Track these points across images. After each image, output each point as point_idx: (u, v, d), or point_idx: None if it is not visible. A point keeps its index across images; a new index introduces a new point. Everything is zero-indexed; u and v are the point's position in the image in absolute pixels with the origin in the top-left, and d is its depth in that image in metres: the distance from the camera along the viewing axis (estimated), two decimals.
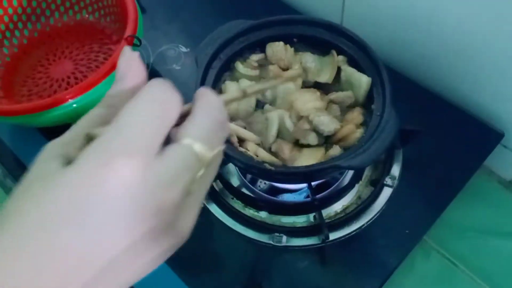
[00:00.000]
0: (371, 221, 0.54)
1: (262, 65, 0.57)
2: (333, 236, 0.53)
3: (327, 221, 0.54)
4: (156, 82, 0.25)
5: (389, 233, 0.56)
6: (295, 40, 0.56)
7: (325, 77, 0.54)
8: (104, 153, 0.22)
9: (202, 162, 0.24)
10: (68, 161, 0.23)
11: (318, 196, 0.55)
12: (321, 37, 0.56)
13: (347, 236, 0.54)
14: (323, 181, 0.58)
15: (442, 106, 0.64)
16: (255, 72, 0.56)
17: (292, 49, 0.55)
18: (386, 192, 0.55)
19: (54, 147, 0.25)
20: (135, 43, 0.59)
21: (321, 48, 0.56)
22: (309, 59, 0.55)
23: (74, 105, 0.57)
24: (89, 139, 0.24)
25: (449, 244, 0.59)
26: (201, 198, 0.26)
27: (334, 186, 0.57)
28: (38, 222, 0.21)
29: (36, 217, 0.22)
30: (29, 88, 0.68)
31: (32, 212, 0.22)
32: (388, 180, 0.55)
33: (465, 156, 0.60)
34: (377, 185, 0.55)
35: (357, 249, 0.55)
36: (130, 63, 0.27)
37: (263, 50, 0.57)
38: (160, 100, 0.24)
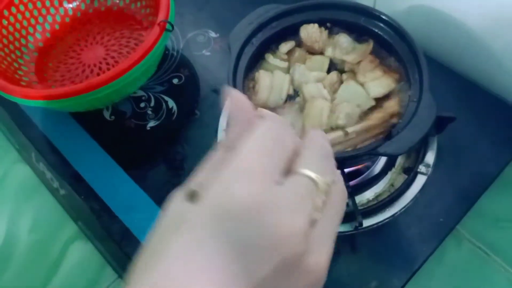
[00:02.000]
0: (403, 209, 0.54)
1: (291, 55, 0.56)
2: (365, 223, 0.52)
3: (359, 208, 0.53)
4: (270, 116, 0.27)
5: (421, 222, 0.55)
6: (328, 25, 0.55)
7: (352, 57, 0.53)
8: (223, 180, 0.23)
9: (319, 189, 0.25)
10: None
11: (351, 183, 0.55)
12: (355, 21, 0.55)
13: (379, 224, 0.53)
14: (355, 168, 0.58)
15: (477, 93, 0.63)
16: (285, 64, 0.56)
17: (327, 31, 0.55)
18: (420, 180, 0.54)
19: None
20: (167, 28, 0.59)
21: (355, 32, 0.55)
22: (344, 39, 0.54)
23: (107, 91, 0.57)
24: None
25: (481, 233, 0.58)
26: (332, 234, 0.25)
27: (366, 173, 0.57)
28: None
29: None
30: (61, 73, 0.69)
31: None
32: (422, 168, 0.54)
33: (500, 145, 0.59)
34: (410, 173, 0.55)
35: (388, 237, 0.55)
36: (238, 104, 0.27)
37: (295, 36, 0.56)
38: (275, 132, 0.25)
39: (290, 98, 0.54)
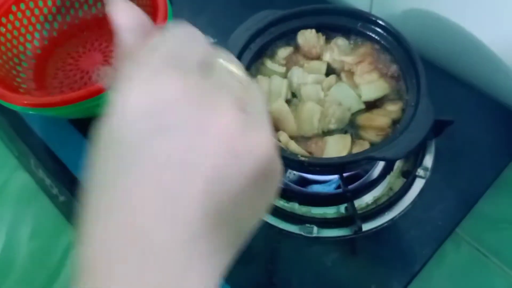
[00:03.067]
0: (402, 213, 0.54)
1: (289, 61, 0.57)
2: (364, 227, 0.53)
3: (358, 212, 0.53)
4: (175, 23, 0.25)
5: (420, 225, 0.55)
6: (326, 30, 0.56)
7: (351, 58, 0.54)
8: (146, 70, 0.22)
9: (239, 80, 0.24)
10: None
11: (350, 187, 0.55)
12: (352, 26, 0.55)
13: (378, 228, 0.53)
14: (354, 172, 0.58)
15: (475, 96, 0.63)
16: (283, 69, 0.56)
17: (324, 37, 0.55)
18: (418, 184, 0.54)
19: None
20: None
21: (352, 38, 0.55)
22: (342, 42, 0.55)
23: (105, 98, 0.57)
24: None
25: (481, 235, 0.58)
26: (264, 117, 0.24)
27: (365, 177, 0.57)
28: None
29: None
30: (60, 80, 0.69)
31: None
32: (420, 172, 0.55)
33: (498, 147, 0.59)
34: (409, 177, 0.55)
35: (388, 241, 0.55)
36: (130, 14, 0.26)
37: (292, 42, 0.57)
38: (185, 34, 0.24)
39: (288, 102, 0.54)
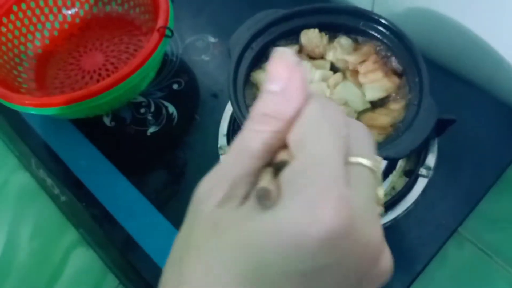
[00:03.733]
0: (405, 212, 0.54)
1: None
2: None
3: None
4: (323, 99, 0.22)
5: (423, 225, 0.55)
6: (328, 29, 0.56)
7: (354, 57, 0.54)
8: (305, 196, 0.19)
9: (378, 178, 0.22)
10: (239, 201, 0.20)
11: None
12: (354, 25, 0.55)
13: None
14: None
15: (478, 95, 0.63)
16: None
17: (327, 36, 0.55)
18: (421, 183, 0.54)
19: (216, 185, 0.21)
20: (167, 34, 0.60)
21: (355, 36, 0.55)
22: (345, 41, 0.54)
23: (107, 97, 0.57)
24: (274, 171, 0.21)
25: (483, 235, 0.58)
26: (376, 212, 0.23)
27: None
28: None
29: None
30: (61, 80, 0.69)
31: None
32: (423, 171, 0.54)
33: (501, 146, 0.59)
34: (411, 176, 0.55)
35: (390, 240, 0.54)
36: (292, 73, 0.22)
37: (294, 41, 0.57)
38: (335, 120, 0.21)
39: None
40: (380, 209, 0.22)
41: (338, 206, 0.18)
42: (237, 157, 0.21)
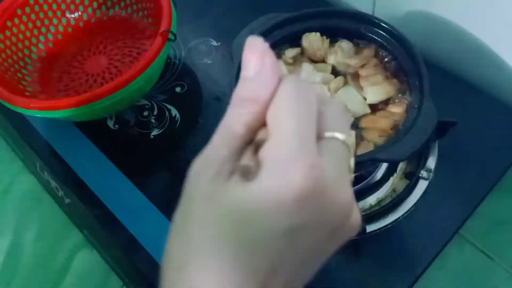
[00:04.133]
0: (406, 214, 0.54)
1: (296, 60, 0.57)
2: (368, 229, 0.53)
3: (362, 213, 0.54)
4: (296, 80, 0.25)
5: (424, 227, 0.55)
6: (329, 33, 0.56)
7: (355, 61, 0.54)
8: (277, 167, 0.22)
9: (351, 150, 0.25)
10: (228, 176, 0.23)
11: (353, 188, 0.55)
12: (355, 29, 0.56)
13: (382, 229, 0.54)
14: (358, 174, 0.58)
15: (479, 97, 0.64)
16: (290, 68, 0.56)
17: (328, 40, 0.55)
18: (422, 185, 0.55)
19: (207, 165, 0.24)
20: (170, 38, 0.60)
21: (356, 40, 0.56)
22: (346, 45, 0.55)
23: (110, 101, 0.58)
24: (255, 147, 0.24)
25: (484, 237, 0.59)
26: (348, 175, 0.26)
27: (368, 179, 0.57)
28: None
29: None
30: (65, 83, 0.70)
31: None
32: (423, 173, 0.55)
33: (502, 148, 0.59)
34: (412, 178, 0.55)
35: (391, 243, 0.55)
36: (263, 58, 0.25)
37: (296, 45, 0.57)
38: (306, 98, 0.24)
39: None
40: (352, 176, 0.26)
41: (307, 171, 0.22)
42: (223, 139, 0.24)
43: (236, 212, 0.22)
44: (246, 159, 0.23)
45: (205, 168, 0.24)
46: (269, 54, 0.25)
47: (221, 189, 0.23)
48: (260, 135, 0.24)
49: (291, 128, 0.23)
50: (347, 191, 0.24)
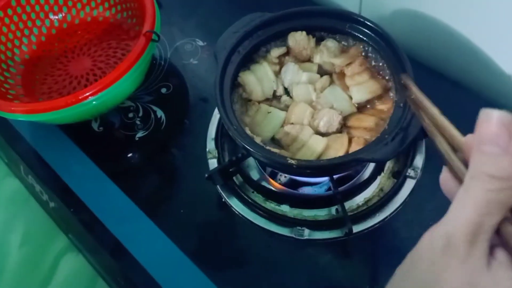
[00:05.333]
0: (394, 213, 0.54)
1: (281, 60, 0.57)
2: (355, 229, 0.52)
3: (349, 214, 0.53)
4: None
5: (412, 225, 0.55)
6: (315, 32, 0.56)
7: (340, 60, 0.54)
8: None
9: None
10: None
11: (340, 189, 0.55)
12: (340, 28, 0.55)
13: (369, 229, 0.53)
14: (345, 174, 0.58)
15: (465, 95, 0.63)
16: (275, 68, 0.56)
17: (314, 39, 0.55)
18: (409, 184, 0.54)
19: (454, 239, 0.24)
20: (153, 38, 0.59)
21: (342, 39, 0.55)
22: (331, 44, 0.55)
23: (94, 102, 0.57)
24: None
25: None
26: None
27: (355, 179, 0.57)
28: None
29: None
30: (49, 85, 0.69)
31: None
32: (411, 172, 0.55)
33: None
34: (399, 177, 0.55)
35: (380, 242, 0.55)
36: (507, 129, 0.25)
37: (281, 45, 0.57)
38: None
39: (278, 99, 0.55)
40: None
41: None
42: (471, 212, 0.24)
43: None
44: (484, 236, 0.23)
45: (453, 243, 0.24)
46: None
47: (485, 277, 0.22)
48: None
49: None
50: None
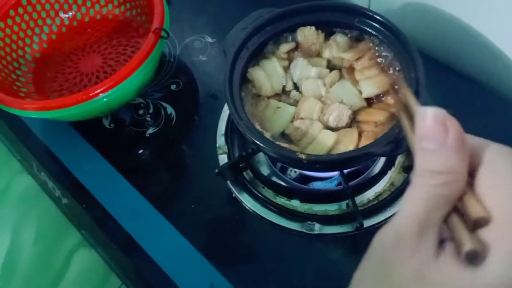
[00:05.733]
0: None
1: (290, 55, 0.57)
2: (366, 223, 0.53)
3: (360, 208, 0.53)
4: (501, 148, 0.25)
5: None
6: (324, 27, 0.56)
7: (350, 55, 0.54)
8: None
9: None
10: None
11: (350, 183, 0.55)
12: (349, 22, 0.55)
13: (380, 224, 0.53)
14: (355, 168, 0.58)
15: (475, 90, 0.63)
16: (284, 63, 0.56)
17: (323, 34, 0.55)
18: None
19: (403, 234, 0.24)
20: (162, 35, 0.60)
21: (351, 33, 0.55)
22: (341, 39, 0.55)
23: (105, 99, 0.58)
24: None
25: None
26: None
27: (366, 173, 0.57)
28: None
29: None
30: (59, 83, 0.69)
31: None
32: None
33: (498, 140, 0.58)
34: (410, 171, 0.55)
35: None
36: (441, 124, 0.25)
37: (289, 40, 0.57)
38: None
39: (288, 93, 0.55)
40: None
41: None
42: (417, 210, 0.24)
43: None
44: (471, 243, 0.23)
45: (402, 238, 0.24)
46: (454, 123, 0.25)
47: (434, 268, 0.23)
48: (475, 210, 0.24)
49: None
50: None
